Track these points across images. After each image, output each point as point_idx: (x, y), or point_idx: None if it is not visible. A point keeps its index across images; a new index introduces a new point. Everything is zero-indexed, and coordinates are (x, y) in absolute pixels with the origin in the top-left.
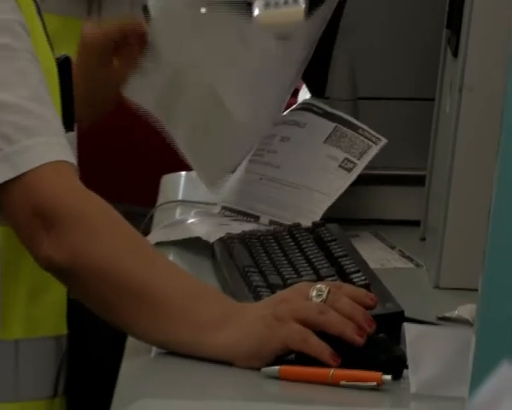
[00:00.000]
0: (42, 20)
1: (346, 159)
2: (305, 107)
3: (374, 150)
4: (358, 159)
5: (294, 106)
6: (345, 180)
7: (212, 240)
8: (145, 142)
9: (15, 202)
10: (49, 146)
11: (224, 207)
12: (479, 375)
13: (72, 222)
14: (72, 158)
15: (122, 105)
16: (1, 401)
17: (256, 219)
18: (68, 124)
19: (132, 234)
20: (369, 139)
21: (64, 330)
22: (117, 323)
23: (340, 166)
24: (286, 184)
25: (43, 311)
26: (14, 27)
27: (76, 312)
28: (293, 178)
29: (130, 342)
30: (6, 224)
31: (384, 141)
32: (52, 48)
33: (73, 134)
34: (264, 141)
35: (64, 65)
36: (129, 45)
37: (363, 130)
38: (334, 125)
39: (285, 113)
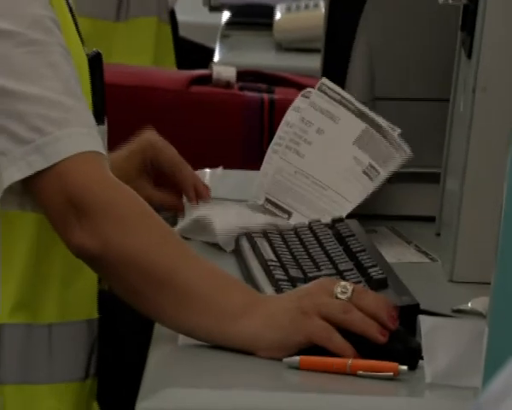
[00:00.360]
0: (73, 17)
1: (370, 164)
2: (342, 102)
3: (397, 162)
4: (381, 167)
5: (334, 90)
6: (367, 189)
7: (228, 248)
8: (174, 138)
9: (49, 191)
10: (80, 137)
11: (267, 200)
12: (491, 366)
13: (103, 212)
14: (102, 149)
15: (151, 101)
16: (35, 383)
17: (289, 215)
18: (99, 117)
19: (161, 224)
20: (393, 147)
21: (95, 315)
22: (143, 310)
23: (364, 171)
24: (315, 183)
25: (75, 296)
26: (45, 23)
27: (106, 296)
28: (322, 177)
29: (157, 331)
30: (39, 211)
31: (408, 153)
32: (83, 44)
33: (104, 127)
34: (302, 127)
35: (94, 61)
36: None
37: (392, 137)
38: (364, 125)
39: (322, 95)
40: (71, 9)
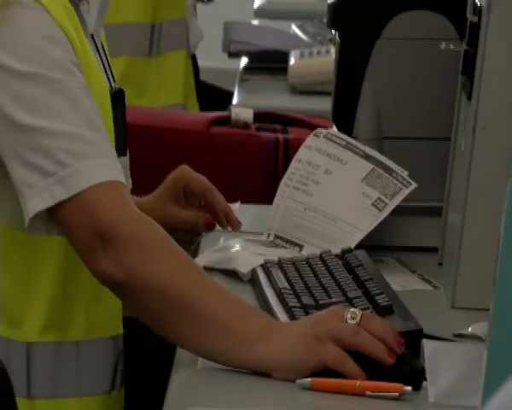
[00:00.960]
0: (100, 54)
1: (379, 198)
2: (349, 146)
3: (404, 193)
4: (390, 199)
5: (339, 136)
6: (376, 218)
7: (245, 277)
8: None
9: (73, 220)
10: (100, 168)
11: (276, 236)
12: (490, 386)
13: (128, 243)
14: (122, 178)
15: (175, 141)
16: (64, 397)
17: (300, 248)
18: (120, 149)
19: (181, 254)
20: (400, 182)
21: (120, 331)
22: (164, 334)
23: (372, 204)
24: (325, 216)
25: (100, 314)
26: (66, 64)
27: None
28: (332, 211)
29: (179, 354)
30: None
31: (414, 185)
32: (114, 81)
33: (126, 159)
34: (309, 170)
35: (117, 96)
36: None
37: (397, 174)
38: (371, 166)
39: (329, 141)
40: (98, 51)
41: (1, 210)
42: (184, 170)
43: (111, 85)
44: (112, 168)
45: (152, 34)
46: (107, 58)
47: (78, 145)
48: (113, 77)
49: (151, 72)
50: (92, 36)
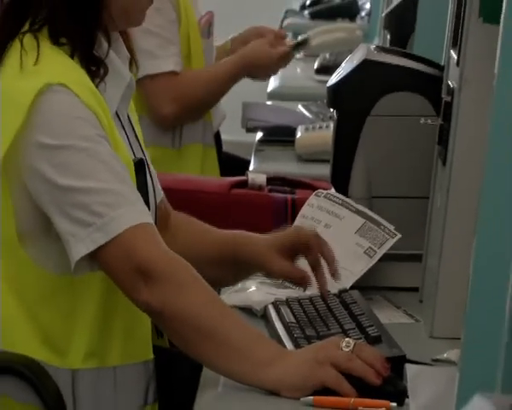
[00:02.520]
0: (124, 130)
1: (370, 247)
2: (344, 204)
3: (390, 243)
4: (378, 248)
5: (336, 196)
6: (367, 264)
7: (259, 313)
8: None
9: (114, 261)
10: (131, 213)
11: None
12: (461, 403)
13: (165, 279)
14: (150, 219)
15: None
16: None
17: (305, 288)
18: None
19: (208, 289)
20: (387, 234)
21: (150, 356)
22: (192, 355)
23: (364, 252)
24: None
25: (134, 343)
26: (94, 137)
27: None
28: None
29: (205, 373)
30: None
31: (398, 236)
32: (133, 150)
33: None
34: (312, 224)
35: (139, 164)
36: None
37: (384, 227)
38: (363, 221)
39: (328, 200)
40: (123, 126)
41: (48, 259)
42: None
43: (134, 155)
44: (140, 212)
45: (174, 129)
46: (133, 130)
47: (110, 197)
48: (139, 144)
49: (173, 161)
50: (117, 114)
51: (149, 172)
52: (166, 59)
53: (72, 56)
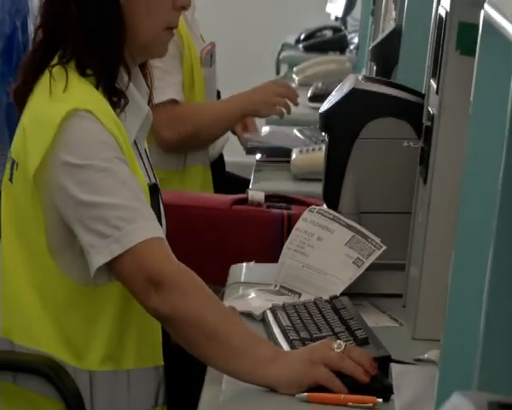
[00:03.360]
0: (141, 157)
1: (358, 258)
2: (335, 219)
3: (377, 254)
4: (366, 258)
5: (327, 211)
6: (355, 273)
7: (258, 317)
8: (222, 242)
9: (128, 270)
10: (145, 228)
11: (281, 286)
12: (441, 399)
13: (173, 286)
14: (162, 234)
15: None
16: None
17: (299, 295)
18: None
19: (212, 296)
20: (374, 246)
21: (160, 362)
22: (197, 356)
23: (353, 262)
24: (318, 271)
25: (146, 348)
26: (114, 159)
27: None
28: (323, 267)
29: (208, 375)
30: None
31: (384, 248)
32: (148, 176)
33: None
34: (306, 237)
35: (153, 188)
36: None
37: (371, 239)
38: (352, 234)
39: (320, 215)
40: (140, 154)
41: (73, 270)
42: None
43: (150, 179)
44: (153, 228)
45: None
46: (148, 158)
47: (127, 213)
48: (152, 172)
49: (178, 181)
50: (135, 142)
51: (161, 195)
52: (163, 89)
53: (96, 87)
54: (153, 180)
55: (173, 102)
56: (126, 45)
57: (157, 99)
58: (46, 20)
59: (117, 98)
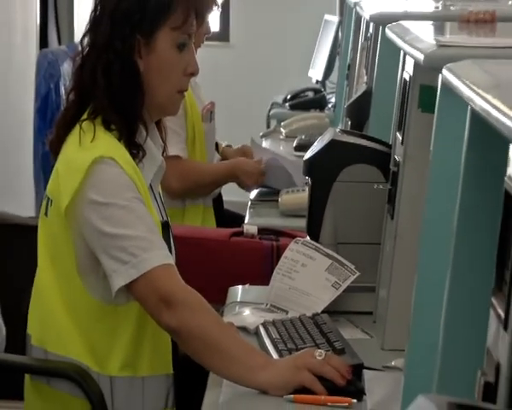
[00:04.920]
0: (155, 198)
1: (336, 281)
2: (317, 249)
3: (351, 278)
4: (342, 282)
5: (310, 243)
6: (334, 294)
7: (252, 331)
8: (221, 268)
9: (144, 291)
10: (158, 256)
11: (271, 305)
12: (406, 401)
13: (181, 305)
14: (172, 261)
15: (207, 246)
16: None
17: (287, 313)
18: None
19: (213, 313)
20: (349, 272)
21: (170, 371)
22: (202, 363)
23: (332, 285)
24: (302, 293)
25: (157, 359)
26: (133, 199)
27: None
28: (307, 289)
29: (210, 380)
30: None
31: (358, 273)
32: (161, 214)
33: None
34: (292, 264)
35: (165, 224)
36: None
37: (347, 266)
38: (331, 261)
39: (304, 246)
40: (154, 195)
41: (97, 291)
42: None
43: (162, 217)
44: (165, 256)
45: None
46: (161, 199)
47: (143, 243)
48: (165, 212)
49: (179, 217)
50: (151, 186)
51: (171, 230)
52: (171, 147)
53: (119, 140)
54: (165, 218)
55: (178, 157)
56: (144, 106)
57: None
58: (77, 84)
59: (136, 150)
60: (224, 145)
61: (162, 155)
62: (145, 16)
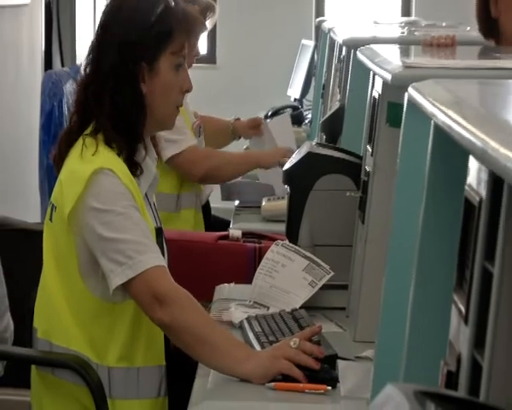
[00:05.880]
0: (150, 207)
1: (312, 280)
2: (295, 251)
3: (326, 277)
4: (318, 281)
5: (289, 245)
6: (311, 292)
7: (237, 323)
8: (209, 267)
9: (139, 290)
10: (151, 258)
11: (254, 302)
12: (376, 387)
13: (172, 302)
14: (165, 263)
15: (197, 249)
16: (130, 399)
17: (268, 308)
18: None
19: (201, 309)
20: (325, 271)
21: (163, 362)
22: (192, 356)
23: (309, 284)
24: (282, 290)
25: (151, 351)
26: (129, 207)
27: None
28: (286, 287)
29: (199, 370)
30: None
31: (332, 273)
32: (156, 221)
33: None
34: (273, 264)
35: (158, 230)
36: None
37: (323, 266)
38: (308, 262)
39: (284, 248)
40: (149, 204)
41: (97, 290)
42: None
43: (156, 224)
44: (158, 258)
45: (176, 200)
46: (155, 208)
47: (138, 246)
48: (158, 219)
49: (173, 222)
50: (146, 195)
51: (164, 236)
52: (183, 141)
53: (118, 155)
54: (159, 224)
55: (193, 146)
56: (144, 126)
57: (179, 148)
58: (80, 107)
59: (134, 169)
60: (232, 120)
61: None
62: (149, 45)
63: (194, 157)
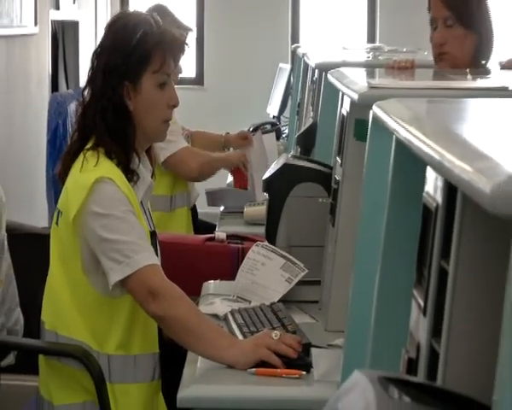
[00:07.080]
0: (145, 213)
1: (289, 277)
2: (274, 251)
3: (301, 274)
4: (294, 277)
5: (268, 246)
6: (287, 287)
7: (221, 317)
8: (196, 266)
9: (135, 285)
10: (146, 257)
11: (237, 296)
12: (345, 373)
13: (165, 297)
14: (158, 261)
15: (185, 250)
16: (128, 383)
17: (249, 302)
18: None
19: (191, 303)
20: (300, 269)
21: (156, 350)
22: (182, 345)
23: (286, 280)
24: (262, 286)
25: (146, 340)
26: (127, 211)
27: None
28: (265, 283)
29: (189, 357)
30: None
31: (306, 271)
32: (150, 225)
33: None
34: (254, 263)
35: (153, 233)
36: None
37: (298, 265)
38: (285, 261)
39: (263, 248)
40: (144, 210)
41: (98, 286)
42: None
43: (150, 227)
44: (152, 258)
45: (171, 200)
46: (150, 213)
47: (135, 247)
48: (152, 223)
49: (168, 221)
50: (142, 202)
51: (158, 238)
52: (177, 142)
53: (117, 166)
54: (153, 228)
55: (186, 147)
56: (136, 138)
57: (175, 148)
58: (80, 126)
59: (131, 175)
60: (224, 134)
61: (151, 177)
62: (130, 67)
63: (187, 157)
